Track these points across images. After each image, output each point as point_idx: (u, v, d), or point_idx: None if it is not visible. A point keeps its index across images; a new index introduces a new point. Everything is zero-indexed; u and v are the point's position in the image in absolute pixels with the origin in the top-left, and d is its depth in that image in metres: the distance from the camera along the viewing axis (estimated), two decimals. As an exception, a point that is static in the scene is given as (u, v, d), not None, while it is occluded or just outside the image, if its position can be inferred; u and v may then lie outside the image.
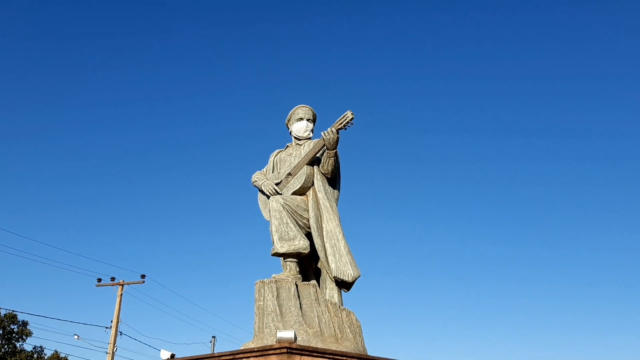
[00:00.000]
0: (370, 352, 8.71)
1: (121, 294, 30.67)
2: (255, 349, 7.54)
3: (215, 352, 36.98)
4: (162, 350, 9.03)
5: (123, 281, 30.86)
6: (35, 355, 41.17)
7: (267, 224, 9.86)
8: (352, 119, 9.14)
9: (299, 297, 8.61)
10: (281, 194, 9.55)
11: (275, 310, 8.43)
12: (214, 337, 39.28)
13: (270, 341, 8.11)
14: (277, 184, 9.76)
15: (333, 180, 9.81)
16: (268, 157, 10.44)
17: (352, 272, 8.93)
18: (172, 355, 9.03)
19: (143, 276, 30.65)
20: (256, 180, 10.12)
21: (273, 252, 9.15)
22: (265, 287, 8.69)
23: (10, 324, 39.23)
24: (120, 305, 30.48)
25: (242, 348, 8.23)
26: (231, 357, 7.86)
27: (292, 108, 10.29)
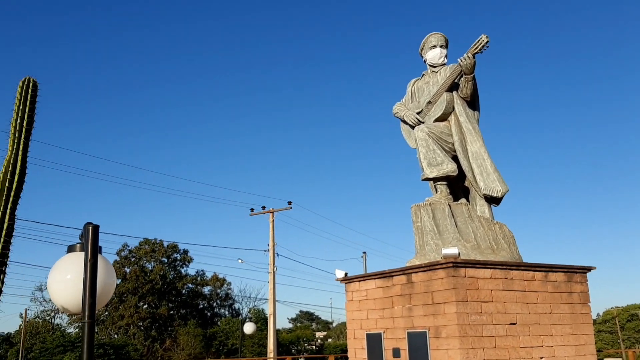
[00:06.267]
0: (526, 259, 9.39)
1: (273, 220, 33.59)
2: (424, 265, 8.54)
3: (367, 267, 39.35)
4: (336, 270, 10.35)
5: (273, 209, 33.67)
6: (198, 278, 47.09)
7: (400, 149, 10.65)
8: (487, 42, 9.37)
9: (453, 216, 9.42)
10: (424, 122, 10.19)
11: (433, 229, 9.34)
12: (364, 252, 41.73)
13: (432, 257, 9.09)
14: (418, 113, 10.38)
15: (472, 102, 10.21)
16: (404, 88, 11.03)
17: (500, 187, 9.51)
18: (346, 274, 10.35)
19: (290, 203, 33.16)
20: (397, 112, 10.80)
21: (423, 178, 9.94)
22: (421, 210, 9.59)
23: (173, 252, 44.94)
24: (273, 230, 33.47)
25: (408, 265, 9.33)
26: (401, 273, 8.96)
27: (423, 38, 10.67)
